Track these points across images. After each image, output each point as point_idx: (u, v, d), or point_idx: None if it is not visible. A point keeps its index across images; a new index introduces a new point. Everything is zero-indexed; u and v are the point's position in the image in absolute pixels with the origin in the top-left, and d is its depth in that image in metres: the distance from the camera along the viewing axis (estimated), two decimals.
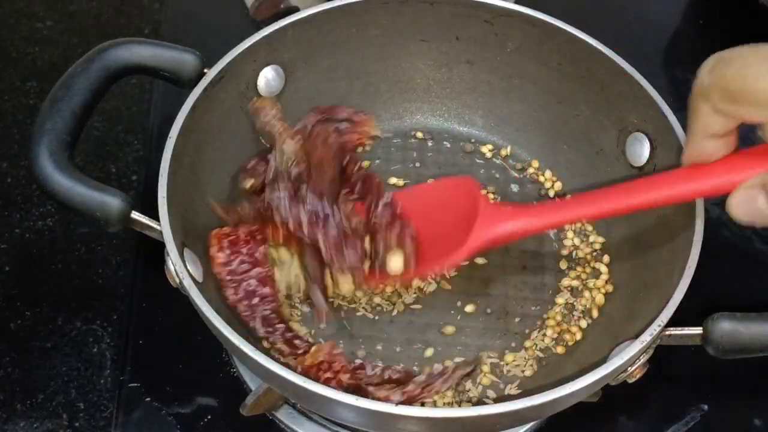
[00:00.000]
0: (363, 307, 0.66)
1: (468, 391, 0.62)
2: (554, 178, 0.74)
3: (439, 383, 0.59)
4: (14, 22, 0.89)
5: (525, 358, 0.64)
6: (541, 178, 0.74)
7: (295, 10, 0.75)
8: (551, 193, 0.73)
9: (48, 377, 0.66)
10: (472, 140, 0.76)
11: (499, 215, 0.61)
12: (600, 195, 0.59)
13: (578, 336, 0.65)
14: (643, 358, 0.54)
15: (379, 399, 0.56)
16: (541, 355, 0.64)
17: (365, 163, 0.71)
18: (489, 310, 0.66)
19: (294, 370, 0.51)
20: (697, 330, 0.54)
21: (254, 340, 0.59)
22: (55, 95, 0.58)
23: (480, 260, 0.68)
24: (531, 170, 0.74)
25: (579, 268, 0.68)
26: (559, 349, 0.64)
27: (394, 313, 0.65)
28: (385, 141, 0.76)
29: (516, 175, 0.74)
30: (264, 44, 0.66)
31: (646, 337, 0.52)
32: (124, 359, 0.66)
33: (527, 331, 0.65)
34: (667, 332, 0.54)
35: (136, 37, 0.67)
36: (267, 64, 0.68)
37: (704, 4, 0.96)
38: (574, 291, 0.67)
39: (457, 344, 0.64)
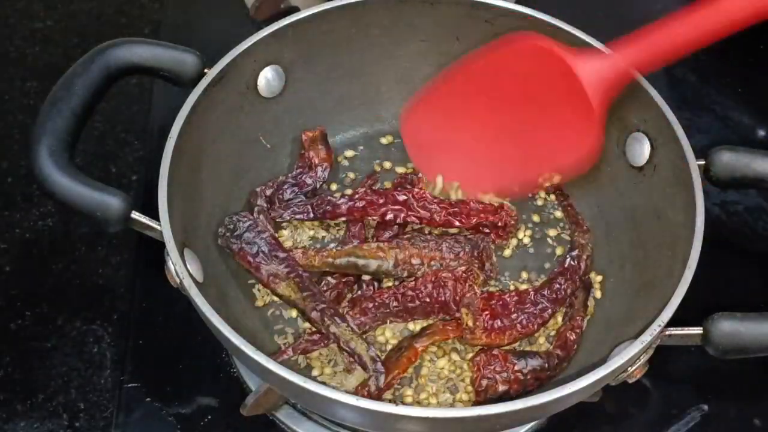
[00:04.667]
0: None
1: (469, 392, 0.62)
2: (554, 178, 0.73)
3: None
4: (14, 22, 0.89)
5: None
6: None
7: (295, 10, 0.75)
8: (551, 195, 0.73)
9: (48, 377, 0.66)
10: None
11: (598, 58, 0.57)
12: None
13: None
14: (643, 358, 0.54)
15: None
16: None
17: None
18: None
19: None
20: (697, 330, 0.54)
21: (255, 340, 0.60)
22: (55, 95, 0.58)
23: None
24: None
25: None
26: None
27: None
28: (386, 141, 0.76)
29: None
30: (264, 44, 0.66)
31: (646, 337, 0.52)
32: (124, 359, 0.66)
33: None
34: (667, 332, 0.54)
35: (136, 37, 0.66)
36: (267, 64, 0.68)
37: None
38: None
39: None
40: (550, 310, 0.63)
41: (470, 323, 0.61)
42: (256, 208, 0.67)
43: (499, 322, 0.62)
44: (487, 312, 0.62)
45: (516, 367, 0.59)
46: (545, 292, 0.64)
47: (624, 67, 0.57)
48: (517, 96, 0.61)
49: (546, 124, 0.60)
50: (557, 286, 0.64)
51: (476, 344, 0.62)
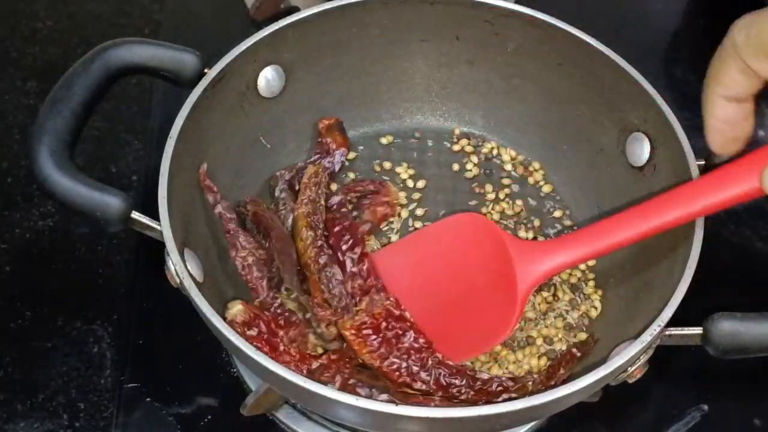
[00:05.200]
0: None
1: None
2: (555, 178, 0.74)
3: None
4: (14, 22, 0.89)
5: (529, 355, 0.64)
6: (542, 178, 0.74)
7: (295, 10, 0.75)
8: (548, 190, 0.73)
9: (48, 377, 0.66)
10: (473, 140, 0.76)
11: (535, 252, 0.60)
12: (636, 214, 0.58)
13: (582, 336, 0.65)
14: (643, 358, 0.54)
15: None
16: (543, 351, 0.64)
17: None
18: None
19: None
20: (697, 330, 0.54)
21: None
22: (55, 95, 0.58)
23: None
24: (531, 170, 0.74)
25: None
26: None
27: None
28: (386, 141, 0.76)
29: (516, 175, 0.74)
30: (264, 44, 0.66)
31: (646, 337, 0.52)
32: (124, 359, 0.66)
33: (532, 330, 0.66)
34: (667, 332, 0.54)
35: (136, 37, 0.66)
36: (267, 64, 0.68)
37: (704, 4, 0.96)
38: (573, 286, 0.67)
39: None
40: (435, 395, 0.58)
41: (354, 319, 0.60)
42: (277, 189, 0.69)
43: (377, 342, 0.59)
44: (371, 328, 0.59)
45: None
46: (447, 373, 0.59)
47: (559, 264, 0.60)
48: (454, 267, 0.64)
49: (475, 300, 0.62)
50: (456, 382, 0.58)
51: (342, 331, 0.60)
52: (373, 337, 0.59)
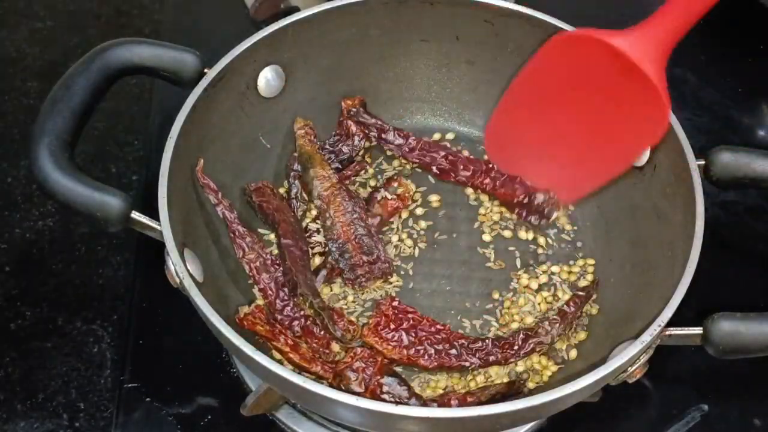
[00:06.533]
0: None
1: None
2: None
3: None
4: (14, 22, 0.89)
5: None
6: None
7: (295, 10, 0.75)
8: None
9: (48, 377, 0.66)
10: (472, 140, 0.76)
11: (645, 35, 0.58)
12: None
13: (582, 336, 0.65)
14: (643, 358, 0.54)
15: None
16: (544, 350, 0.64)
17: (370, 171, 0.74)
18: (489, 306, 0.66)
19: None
20: (697, 330, 0.55)
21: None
22: (55, 95, 0.58)
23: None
24: None
25: (566, 267, 0.69)
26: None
27: None
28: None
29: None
30: (264, 44, 0.66)
31: (646, 337, 0.52)
32: (124, 359, 0.66)
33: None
34: (667, 332, 0.54)
35: (136, 37, 0.67)
36: (267, 64, 0.68)
37: None
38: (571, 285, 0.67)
39: None
40: (468, 363, 0.61)
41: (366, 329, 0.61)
42: (292, 173, 0.70)
43: (398, 336, 0.61)
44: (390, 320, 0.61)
45: (381, 380, 0.58)
46: (471, 345, 0.62)
47: (665, 33, 0.59)
48: (579, 90, 0.62)
49: (613, 109, 0.61)
50: (483, 345, 0.62)
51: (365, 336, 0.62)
52: (392, 333, 0.61)
